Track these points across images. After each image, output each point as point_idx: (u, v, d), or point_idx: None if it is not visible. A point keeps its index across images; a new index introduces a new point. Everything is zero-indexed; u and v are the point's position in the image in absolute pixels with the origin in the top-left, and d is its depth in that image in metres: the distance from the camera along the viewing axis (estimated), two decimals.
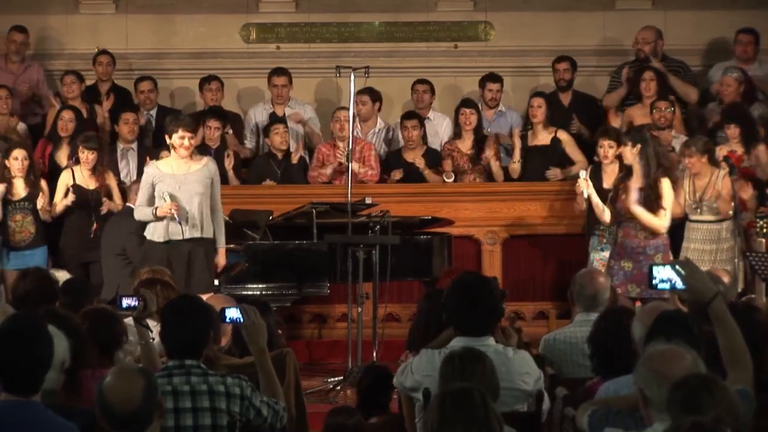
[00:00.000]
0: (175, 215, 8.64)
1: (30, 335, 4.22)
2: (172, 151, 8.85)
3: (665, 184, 9.17)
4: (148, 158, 10.21)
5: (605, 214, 9.33)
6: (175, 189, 8.72)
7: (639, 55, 11.55)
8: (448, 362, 4.87)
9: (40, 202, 10.14)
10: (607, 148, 9.77)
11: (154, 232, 8.80)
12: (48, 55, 12.29)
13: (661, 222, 9.16)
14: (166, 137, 8.91)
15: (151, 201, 8.81)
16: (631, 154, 9.23)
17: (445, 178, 10.88)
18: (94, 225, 10.18)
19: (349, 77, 9.78)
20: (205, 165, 8.87)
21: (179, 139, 8.76)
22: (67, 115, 10.86)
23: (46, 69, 12.22)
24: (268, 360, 5.16)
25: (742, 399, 4.06)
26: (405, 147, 11.14)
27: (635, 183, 9.19)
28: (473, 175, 10.95)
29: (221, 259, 8.97)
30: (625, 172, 9.36)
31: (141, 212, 8.89)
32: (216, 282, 9.08)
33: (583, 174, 9.54)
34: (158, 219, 8.74)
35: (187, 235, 8.69)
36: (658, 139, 9.69)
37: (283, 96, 11.60)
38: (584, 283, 6.54)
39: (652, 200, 9.12)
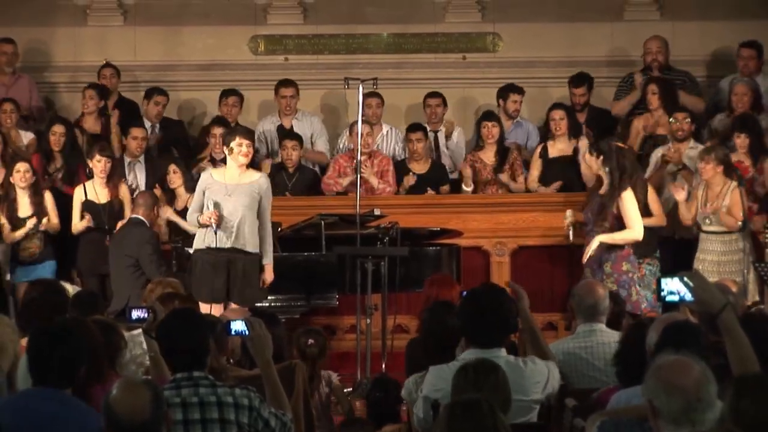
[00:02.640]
0: (213, 224, 8.61)
1: (65, 333, 4.59)
2: (229, 160, 8.82)
3: (626, 199, 9.32)
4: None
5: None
6: (222, 197, 8.68)
7: (653, 65, 11.51)
8: (461, 373, 4.86)
9: (44, 225, 10.07)
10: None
11: (198, 240, 8.80)
12: (55, 68, 12.31)
13: (630, 234, 9.33)
14: (224, 148, 8.95)
15: (202, 208, 8.79)
16: (596, 164, 9.54)
17: (464, 186, 10.87)
18: (108, 240, 10.11)
19: (358, 89, 9.77)
20: (257, 180, 8.82)
21: (237, 146, 8.73)
22: (59, 129, 10.81)
23: (54, 81, 12.26)
24: (274, 372, 5.14)
25: None
26: (410, 158, 11.13)
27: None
28: (496, 186, 10.96)
29: (268, 275, 8.87)
30: (595, 182, 9.66)
31: (190, 219, 8.97)
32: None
33: (568, 217, 9.84)
34: (201, 226, 8.74)
35: (228, 245, 8.64)
36: (626, 150, 9.67)
37: (291, 107, 11.58)
38: (583, 294, 6.54)
39: (610, 213, 9.36)
